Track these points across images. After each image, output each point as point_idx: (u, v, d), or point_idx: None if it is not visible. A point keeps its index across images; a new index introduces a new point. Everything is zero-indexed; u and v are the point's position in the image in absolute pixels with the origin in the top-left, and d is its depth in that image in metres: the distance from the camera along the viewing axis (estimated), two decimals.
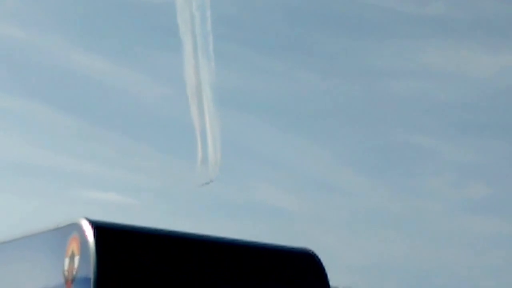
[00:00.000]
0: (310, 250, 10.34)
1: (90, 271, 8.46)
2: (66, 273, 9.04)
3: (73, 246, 8.94)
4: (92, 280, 8.39)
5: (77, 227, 8.94)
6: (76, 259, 8.82)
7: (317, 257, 10.25)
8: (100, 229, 8.78)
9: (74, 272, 8.84)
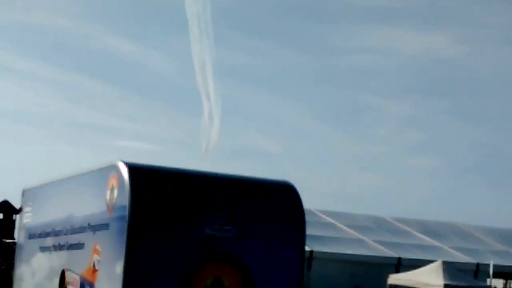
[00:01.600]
0: (289, 182, 11.82)
1: (126, 200, 10.37)
2: (107, 201, 10.97)
3: (113, 181, 10.86)
4: (127, 207, 10.29)
5: (116, 168, 10.83)
6: (115, 191, 10.76)
7: (294, 187, 11.72)
8: (132, 168, 10.65)
9: (114, 201, 10.78)
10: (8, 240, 74.49)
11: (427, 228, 45.37)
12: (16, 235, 15.33)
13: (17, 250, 16.23)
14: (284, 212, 11.59)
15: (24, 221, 15.29)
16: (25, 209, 15.30)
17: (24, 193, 15.47)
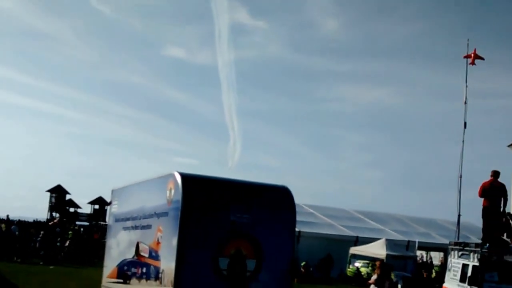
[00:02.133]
0: (285, 186, 11.83)
1: (179, 197, 10.45)
2: (167, 198, 11.01)
3: (171, 185, 10.90)
4: (180, 202, 10.38)
5: (172, 176, 10.88)
6: (172, 191, 10.80)
7: (289, 189, 11.76)
8: (183, 176, 10.71)
9: (172, 198, 10.81)
10: (102, 223, 75.22)
11: (375, 217, 45.39)
12: (107, 219, 15.32)
13: (107, 229, 16.32)
14: (283, 205, 11.59)
15: (112, 210, 15.35)
16: (113, 202, 15.38)
17: (112, 191, 15.53)
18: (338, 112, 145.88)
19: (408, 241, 39.02)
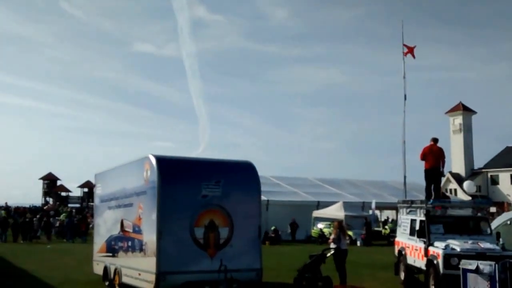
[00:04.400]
0: (249, 161, 11.92)
1: (155, 176, 10.47)
2: (144, 178, 11.02)
3: (147, 166, 10.91)
4: (156, 181, 10.41)
5: (148, 158, 10.91)
6: (149, 171, 10.81)
7: (252, 164, 11.85)
8: (157, 158, 10.75)
9: (148, 177, 10.83)
10: (92, 204, 74.67)
11: (333, 183, 45.63)
12: (94, 201, 15.20)
13: (94, 210, 16.21)
14: (248, 178, 11.63)
15: (97, 192, 15.22)
16: (97, 185, 15.24)
17: (96, 176, 15.41)
18: (293, 92, 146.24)
19: (363, 202, 39.29)
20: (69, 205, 70.84)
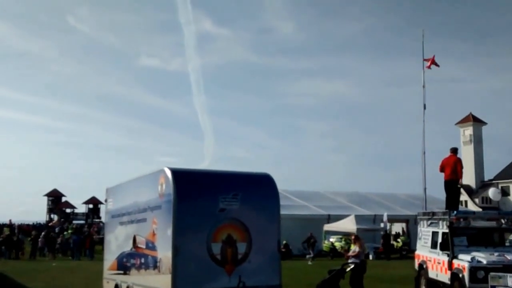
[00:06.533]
0: (269, 174, 11.55)
1: (170, 190, 10.12)
2: (159, 192, 10.69)
3: (162, 180, 10.57)
4: (172, 195, 10.05)
5: (163, 171, 10.55)
6: (164, 185, 10.47)
7: (272, 177, 11.48)
8: (173, 171, 10.39)
9: (163, 192, 10.50)
10: (96, 220, 74.43)
11: (343, 195, 45.35)
12: (103, 216, 14.90)
13: (105, 226, 15.96)
14: (267, 191, 11.26)
15: (108, 207, 14.96)
16: (109, 200, 14.98)
17: (107, 190, 15.14)
18: (299, 105, 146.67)
19: (375, 215, 38.99)
20: (74, 221, 70.62)
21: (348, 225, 34.31)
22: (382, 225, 36.64)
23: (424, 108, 23.75)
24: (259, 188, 11.21)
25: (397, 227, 44.89)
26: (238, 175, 11.48)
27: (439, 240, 12.89)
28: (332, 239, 35.76)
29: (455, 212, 12.88)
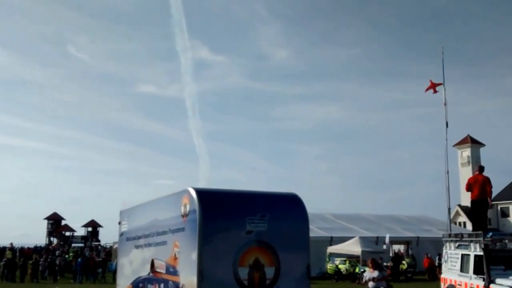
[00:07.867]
0: (296, 194, 10.74)
1: (196, 211, 9.31)
2: (182, 212, 9.88)
3: (185, 200, 9.77)
4: (197, 216, 9.24)
5: (187, 191, 9.74)
6: (187, 206, 9.68)
7: (299, 197, 10.68)
8: (198, 191, 9.60)
9: (187, 212, 9.69)
10: (95, 243, 73.42)
11: (346, 218, 44.66)
12: (118, 239, 14.16)
13: (118, 249, 15.14)
14: (295, 212, 10.43)
15: (122, 230, 14.15)
16: (122, 222, 14.19)
17: (121, 212, 14.37)
18: (293, 129, 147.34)
19: (377, 237, 38.33)
20: (73, 244, 69.77)
21: (353, 247, 33.57)
22: (384, 246, 35.98)
23: (447, 126, 23.23)
24: (287, 208, 10.40)
25: (400, 249, 44.12)
26: (265, 195, 10.69)
27: (471, 263, 12.09)
28: (336, 262, 34.92)
29: (490, 233, 12.09)
